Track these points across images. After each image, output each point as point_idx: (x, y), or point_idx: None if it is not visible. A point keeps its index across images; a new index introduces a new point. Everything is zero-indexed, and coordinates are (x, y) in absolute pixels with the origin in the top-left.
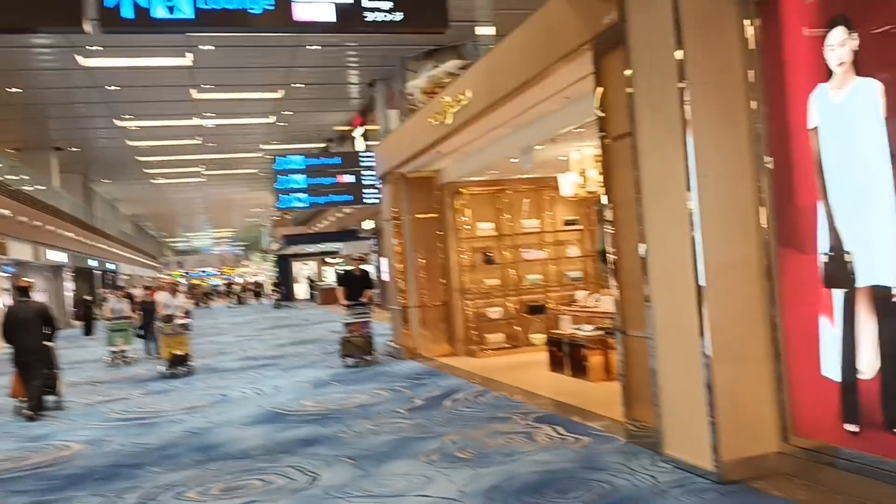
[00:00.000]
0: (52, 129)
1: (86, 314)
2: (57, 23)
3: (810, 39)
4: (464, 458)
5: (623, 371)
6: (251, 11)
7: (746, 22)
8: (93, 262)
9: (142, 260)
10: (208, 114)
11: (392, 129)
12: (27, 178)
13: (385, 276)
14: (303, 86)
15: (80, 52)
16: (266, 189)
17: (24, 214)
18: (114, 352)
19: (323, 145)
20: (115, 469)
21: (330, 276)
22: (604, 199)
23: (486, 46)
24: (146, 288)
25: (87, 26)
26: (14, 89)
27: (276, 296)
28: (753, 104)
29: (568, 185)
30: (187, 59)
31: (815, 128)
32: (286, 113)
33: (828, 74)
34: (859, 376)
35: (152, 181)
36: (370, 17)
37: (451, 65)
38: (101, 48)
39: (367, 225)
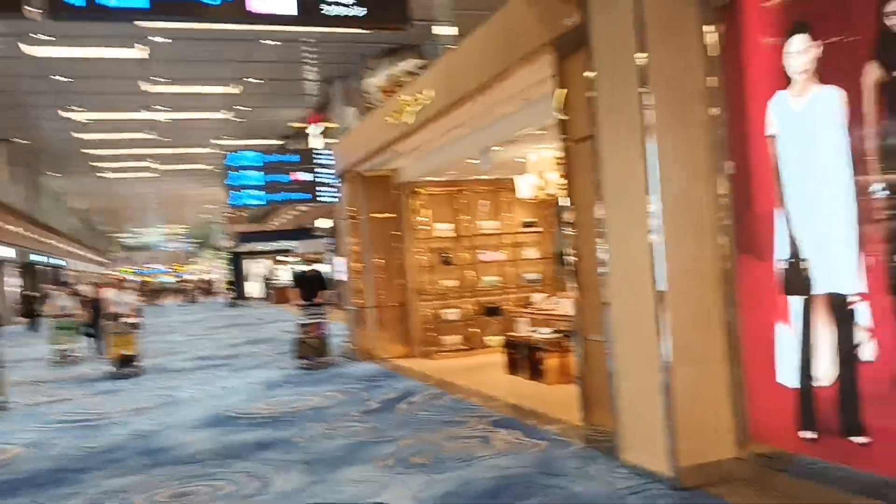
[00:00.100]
0: None
1: (31, 311)
2: None
3: (771, 46)
4: (419, 463)
5: (581, 375)
6: (208, 2)
7: (708, 27)
8: (40, 258)
9: (90, 256)
10: (161, 107)
11: (349, 127)
12: None
13: (341, 276)
14: (259, 81)
15: (24, 41)
16: (220, 185)
17: None
18: (59, 350)
19: (279, 142)
20: (57, 474)
21: (284, 275)
22: (564, 202)
23: (446, 46)
24: (95, 284)
25: (31, 13)
26: None
27: (229, 294)
28: (714, 109)
29: (526, 186)
30: (140, 51)
31: (775, 134)
32: (241, 108)
33: (787, 81)
34: (816, 383)
35: (102, 175)
36: (331, 10)
37: (410, 64)
38: (49, 37)
39: (323, 223)
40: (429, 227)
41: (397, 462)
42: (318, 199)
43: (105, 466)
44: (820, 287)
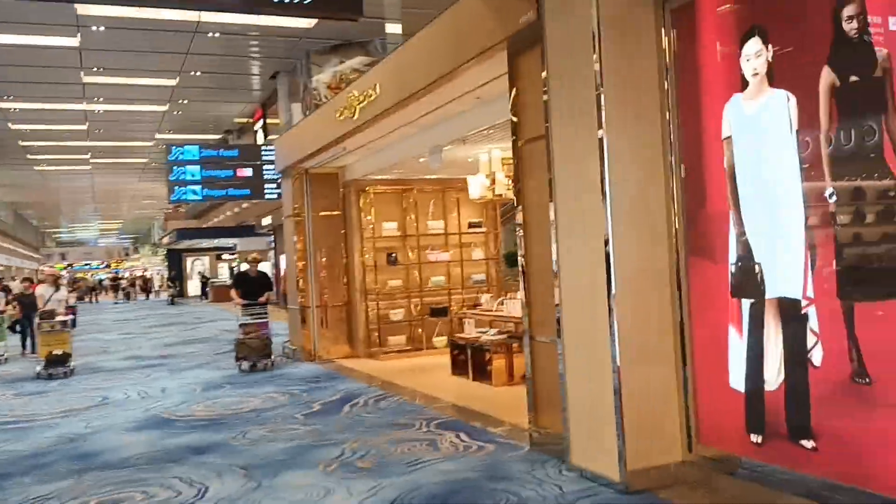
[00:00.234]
0: None
1: None
2: None
3: (726, 49)
4: (364, 467)
5: (530, 377)
6: None
7: (663, 29)
8: None
9: (21, 251)
10: (97, 98)
11: (294, 123)
12: None
13: (283, 275)
14: (201, 74)
15: None
16: (158, 180)
17: None
18: None
19: (221, 137)
20: None
21: (224, 273)
22: (515, 202)
23: (394, 45)
24: (26, 280)
25: None
26: None
27: (169, 291)
28: (669, 111)
29: (476, 186)
30: (75, 40)
31: (729, 137)
32: (182, 101)
33: (743, 85)
34: (765, 387)
35: (35, 167)
36: None
37: (357, 61)
38: None
39: (266, 221)
40: (375, 226)
41: (341, 466)
42: (262, 195)
43: (31, 472)
44: (771, 290)
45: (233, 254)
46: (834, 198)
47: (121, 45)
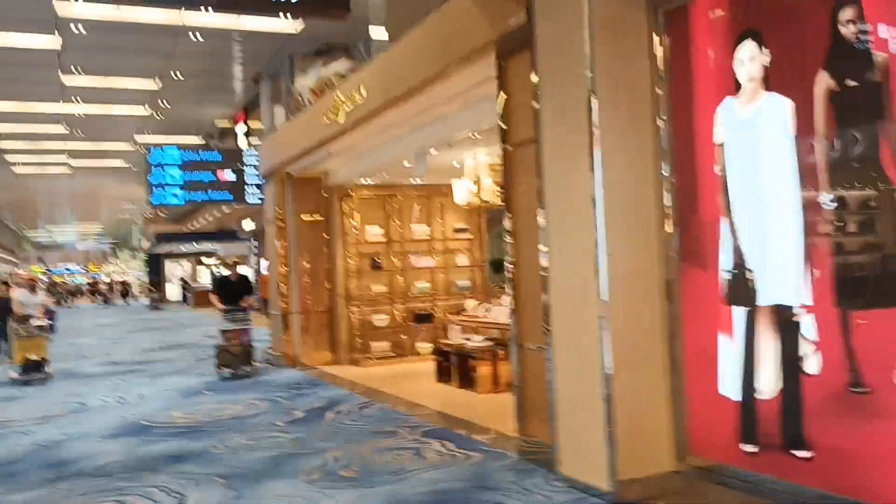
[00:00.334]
0: None
1: None
2: None
3: (719, 53)
4: (348, 476)
5: (517, 385)
6: None
7: (656, 33)
8: None
9: None
10: (77, 100)
11: (278, 127)
12: None
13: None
14: (183, 76)
15: None
16: (139, 183)
17: None
18: None
19: (202, 140)
20: None
21: (205, 278)
22: (504, 207)
23: (378, 49)
24: (3, 284)
25: None
26: None
27: (150, 296)
28: (661, 115)
29: (462, 192)
30: (54, 40)
31: (721, 143)
32: (163, 104)
33: (736, 89)
34: (758, 396)
35: (13, 169)
36: None
37: (342, 65)
38: None
39: (248, 225)
40: (359, 231)
41: (325, 476)
42: (244, 199)
43: (3, 480)
44: (764, 298)
45: (213, 258)
46: (831, 204)
47: (101, 46)
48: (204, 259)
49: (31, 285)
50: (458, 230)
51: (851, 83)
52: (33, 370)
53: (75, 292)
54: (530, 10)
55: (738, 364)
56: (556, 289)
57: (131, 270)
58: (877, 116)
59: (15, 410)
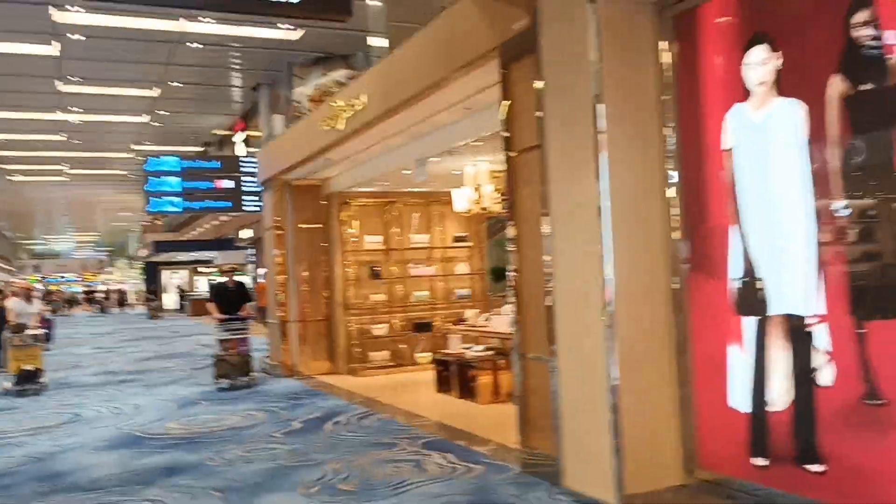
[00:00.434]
0: None
1: None
2: None
3: (728, 58)
4: (347, 490)
5: (520, 395)
6: None
7: (662, 38)
8: None
9: None
10: (75, 108)
11: (276, 135)
12: None
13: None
14: (181, 85)
15: None
16: (136, 192)
17: None
18: None
19: (200, 149)
20: None
21: (202, 286)
22: (507, 215)
23: (378, 57)
24: None
25: None
26: None
27: (147, 305)
28: (668, 120)
29: (462, 199)
30: (53, 49)
31: (731, 148)
32: (161, 112)
33: (746, 94)
34: (769, 408)
35: (9, 178)
36: None
37: (341, 74)
38: None
39: (246, 234)
40: (358, 240)
41: (323, 489)
42: (242, 208)
43: None
44: (776, 307)
45: (211, 267)
46: (845, 211)
47: (99, 55)
48: (201, 268)
49: (27, 294)
50: (457, 238)
51: (865, 87)
52: (27, 380)
53: (71, 301)
54: (535, 15)
55: (749, 375)
56: (560, 297)
57: (128, 279)
58: (891, 121)
59: (7, 421)
